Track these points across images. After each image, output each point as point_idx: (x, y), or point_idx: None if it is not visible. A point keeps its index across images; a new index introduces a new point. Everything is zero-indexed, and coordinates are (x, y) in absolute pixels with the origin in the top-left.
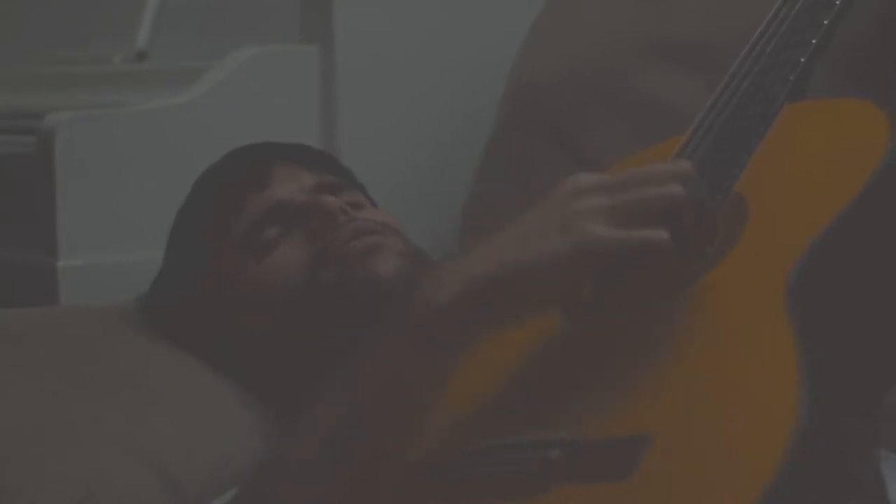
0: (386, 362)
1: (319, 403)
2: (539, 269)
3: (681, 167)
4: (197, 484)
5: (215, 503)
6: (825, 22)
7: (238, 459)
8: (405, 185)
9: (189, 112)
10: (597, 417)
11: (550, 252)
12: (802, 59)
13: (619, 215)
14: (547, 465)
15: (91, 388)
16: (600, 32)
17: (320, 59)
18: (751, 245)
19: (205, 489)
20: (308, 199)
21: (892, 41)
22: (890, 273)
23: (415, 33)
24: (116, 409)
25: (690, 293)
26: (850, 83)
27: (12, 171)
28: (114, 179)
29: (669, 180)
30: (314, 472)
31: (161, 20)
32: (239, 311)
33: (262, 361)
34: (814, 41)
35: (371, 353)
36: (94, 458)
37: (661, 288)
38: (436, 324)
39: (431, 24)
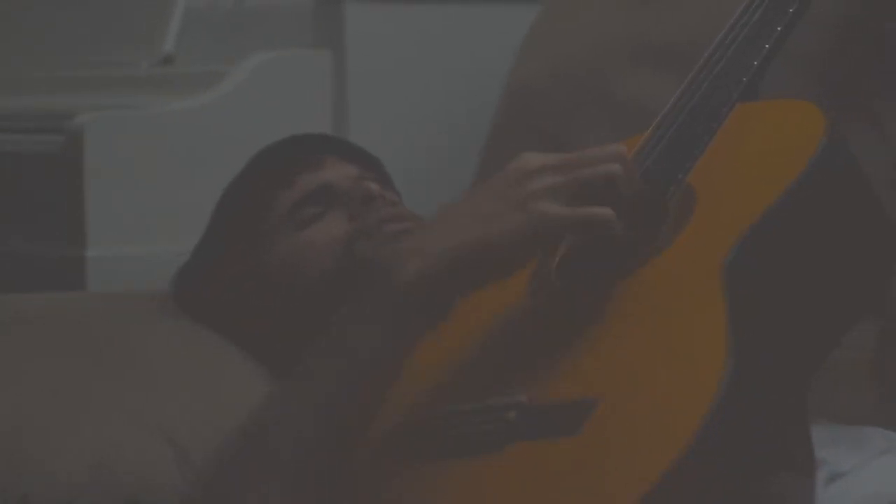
0: (362, 335)
1: (303, 374)
2: (499, 245)
3: (614, 149)
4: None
5: None
6: (778, 29)
7: None
8: (411, 179)
9: (208, 113)
10: (552, 383)
11: (509, 229)
12: (756, 63)
13: (568, 194)
14: (505, 426)
15: (106, 364)
16: (589, 38)
17: (332, 63)
18: (696, 230)
19: None
20: (353, 184)
21: (850, 45)
22: (817, 258)
23: (421, 40)
24: (130, 383)
25: (641, 272)
26: (818, 84)
27: (44, 168)
28: (138, 176)
29: (606, 160)
30: (295, 446)
31: (186, 26)
32: (270, 283)
33: (285, 337)
34: (767, 46)
35: (347, 325)
36: (108, 430)
37: (616, 268)
38: (404, 299)
39: (437, 31)
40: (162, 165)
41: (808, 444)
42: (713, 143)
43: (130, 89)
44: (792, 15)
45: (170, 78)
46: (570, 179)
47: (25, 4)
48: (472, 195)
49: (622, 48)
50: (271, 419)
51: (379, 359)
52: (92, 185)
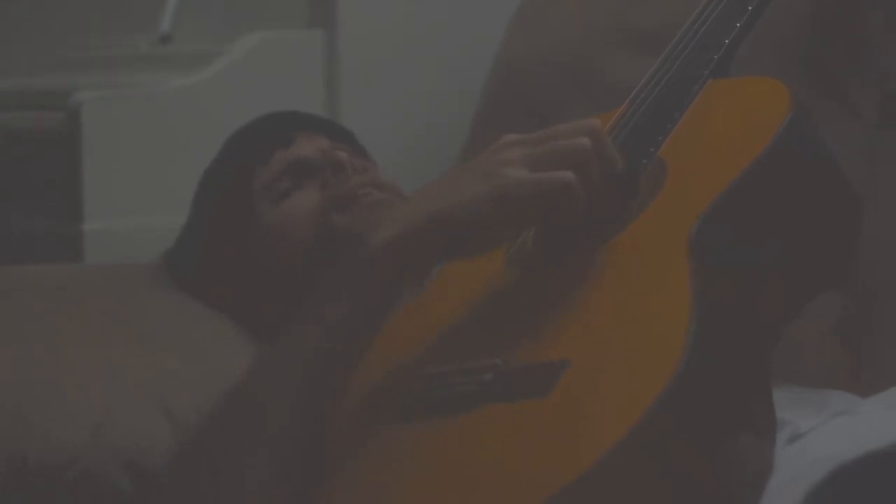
0: (339, 299)
1: (285, 337)
2: (464, 210)
3: (588, 124)
4: None
5: None
6: (749, 8)
7: None
8: (402, 159)
9: (203, 91)
10: (526, 347)
11: (474, 195)
12: (727, 41)
13: (535, 162)
14: (481, 386)
15: (103, 333)
16: (575, 21)
17: (324, 43)
18: (665, 201)
19: None
20: (324, 156)
21: (824, 25)
22: (781, 230)
23: (413, 19)
24: (126, 351)
25: (613, 241)
26: (792, 62)
27: (44, 145)
28: (134, 151)
29: (577, 135)
30: (279, 410)
31: (184, 6)
32: (255, 254)
33: (272, 306)
34: (738, 25)
35: (326, 291)
36: (105, 395)
37: (590, 238)
38: (378, 264)
39: (428, 10)
40: (157, 142)
41: (770, 406)
42: (684, 118)
43: (128, 68)
44: None
45: (167, 57)
46: (538, 150)
47: None
48: (454, 170)
49: (608, 31)
50: (256, 384)
51: (357, 323)
52: (90, 160)
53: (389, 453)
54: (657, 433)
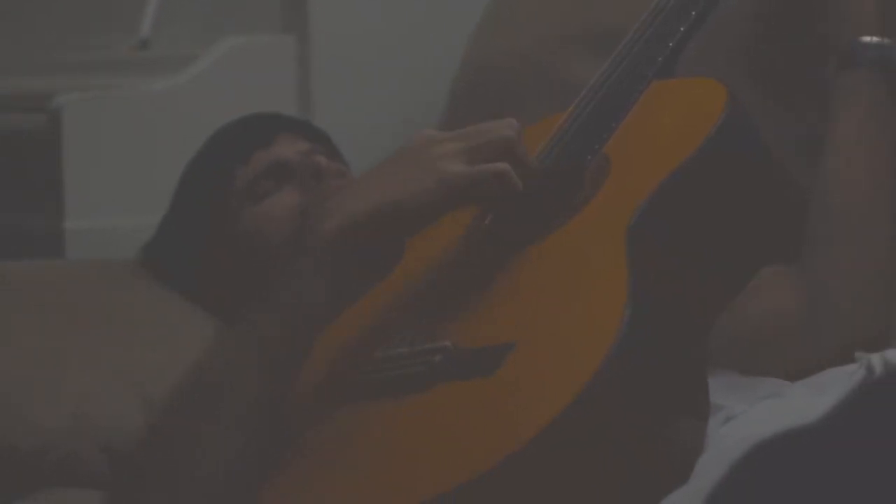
0: (294, 288)
1: (242, 322)
2: (410, 203)
3: (507, 121)
4: None
5: None
6: (693, 13)
7: None
8: (373, 159)
9: (179, 94)
10: (475, 330)
11: (419, 189)
12: (671, 44)
13: (469, 156)
14: (431, 368)
15: (83, 324)
16: (536, 22)
17: (296, 47)
18: (608, 194)
19: None
20: (303, 159)
21: (775, 27)
22: (716, 222)
23: (384, 25)
24: (109, 343)
25: (559, 232)
26: (739, 66)
27: (27, 146)
28: (113, 152)
29: (501, 129)
30: (237, 390)
31: (163, 11)
32: (233, 252)
33: (247, 299)
34: (682, 29)
35: (282, 280)
36: (86, 384)
37: (537, 228)
38: (328, 252)
39: (399, 16)
40: (135, 143)
41: (705, 390)
42: (629, 117)
43: (109, 71)
44: (705, 2)
45: (146, 60)
46: (470, 144)
47: None
48: (387, 162)
49: (562, 34)
50: (215, 365)
51: (311, 307)
52: (70, 161)
53: (341, 433)
54: (594, 410)
